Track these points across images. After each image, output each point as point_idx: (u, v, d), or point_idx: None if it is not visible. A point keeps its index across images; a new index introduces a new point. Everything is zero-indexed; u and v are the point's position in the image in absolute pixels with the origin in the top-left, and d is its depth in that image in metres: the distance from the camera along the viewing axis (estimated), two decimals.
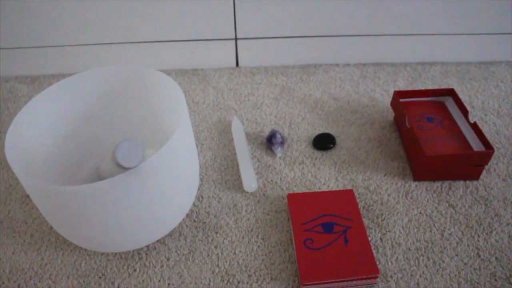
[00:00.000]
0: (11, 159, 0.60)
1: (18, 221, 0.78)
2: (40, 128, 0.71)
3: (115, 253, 0.72)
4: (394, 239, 0.73)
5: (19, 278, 0.69)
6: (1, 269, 0.71)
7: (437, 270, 0.68)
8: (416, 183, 0.81)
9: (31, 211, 0.79)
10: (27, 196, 0.82)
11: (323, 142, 0.89)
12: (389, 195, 0.80)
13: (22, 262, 0.71)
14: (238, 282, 0.68)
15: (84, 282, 0.69)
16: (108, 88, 0.77)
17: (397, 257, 0.70)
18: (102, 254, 0.72)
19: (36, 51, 1.09)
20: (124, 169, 0.58)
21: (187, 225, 0.76)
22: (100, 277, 0.69)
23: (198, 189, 0.82)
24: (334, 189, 0.80)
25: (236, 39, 1.09)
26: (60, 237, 0.75)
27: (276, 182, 0.83)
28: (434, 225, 0.74)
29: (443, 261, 0.69)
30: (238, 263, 0.70)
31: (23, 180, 0.57)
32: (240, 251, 0.72)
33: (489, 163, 0.84)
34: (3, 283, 0.69)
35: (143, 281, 0.68)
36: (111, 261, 0.71)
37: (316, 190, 0.81)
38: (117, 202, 0.58)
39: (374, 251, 0.71)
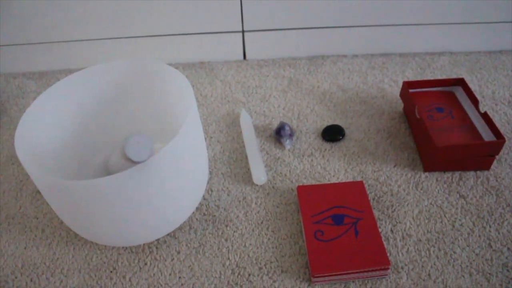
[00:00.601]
0: (21, 155, 0.60)
1: (29, 216, 0.78)
2: (49, 123, 0.72)
3: (126, 247, 0.73)
4: (404, 230, 0.72)
5: (32, 272, 0.70)
6: (13, 264, 0.71)
7: (449, 261, 0.68)
8: (426, 174, 0.81)
9: (42, 207, 0.80)
10: (38, 192, 0.82)
11: (332, 134, 0.88)
12: (399, 186, 0.79)
13: (34, 257, 0.72)
14: (249, 275, 0.68)
15: (95, 276, 0.69)
16: (116, 82, 0.77)
17: (408, 249, 0.70)
18: (113, 248, 0.73)
19: (43, 46, 1.09)
20: (134, 163, 0.58)
21: (197, 219, 0.76)
22: (111, 271, 0.69)
23: (208, 182, 0.82)
24: (343, 181, 0.80)
25: (243, 31, 1.08)
26: (71, 232, 0.75)
27: (285, 175, 0.82)
28: (445, 216, 0.74)
29: (454, 252, 0.69)
30: (248, 255, 0.70)
31: (33, 175, 0.57)
32: (250, 244, 0.72)
33: (500, 153, 0.84)
34: (16, 277, 0.69)
35: (154, 274, 0.69)
36: (122, 255, 0.72)
37: (326, 182, 0.81)
38: (127, 196, 0.58)
39: (384, 243, 0.71)
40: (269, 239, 0.72)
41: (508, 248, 0.69)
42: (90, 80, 0.75)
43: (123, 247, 0.73)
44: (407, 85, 0.91)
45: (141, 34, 1.08)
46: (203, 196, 0.80)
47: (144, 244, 0.73)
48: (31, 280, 0.69)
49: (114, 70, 0.76)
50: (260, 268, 0.68)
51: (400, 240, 0.71)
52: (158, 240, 0.73)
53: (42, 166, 0.67)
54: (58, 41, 1.08)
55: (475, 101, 0.86)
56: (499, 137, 0.77)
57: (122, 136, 0.83)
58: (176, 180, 0.62)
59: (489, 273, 0.66)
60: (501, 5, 1.03)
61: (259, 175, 0.80)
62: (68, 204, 0.59)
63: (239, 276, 0.68)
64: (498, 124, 0.90)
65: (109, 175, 0.66)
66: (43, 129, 0.70)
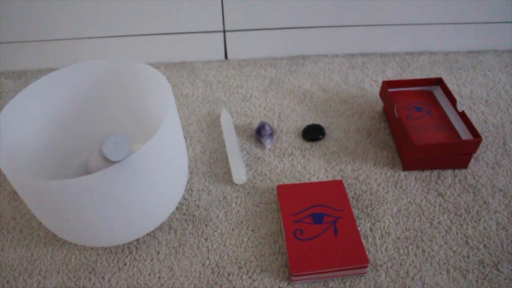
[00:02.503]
0: None
1: (7, 217, 0.77)
2: (27, 123, 0.71)
3: (105, 248, 0.72)
4: (383, 228, 0.73)
5: (8, 274, 0.69)
6: None
7: (426, 259, 0.69)
8: (405, 172, 0.82)
9: (20, 207, 0.79)
10: (15, 192, 0.81)
11: (313, 133, 0.89)
12: (378, 185, 0.80)
13: (11, 258, 0.71)
14: (229, 274, 0.68)
15: (74, 277, 0.68)
16: (95, 82, 0.77)
17: (386, 246, 0.70)
18: (92, 248, 0.72)
19: (22, 45, 1.08)
20: (111, 162, 0.57)
21: (177, 218, 0.76)
22: (90, 272, 0.69)
23: (188, 182, 0.82)
24: (323, 180, 0.80)
25: (224, 31, 1.08)
26: (50, 233, 0.75)
27: (265, 174, 0.83)
28: (423, 214, 0.75)
29: (432, 250, 0.70)
30: (228, 255, 0.70)
31: (10, 176, 0.56)
32: (230, 243, 0.72)
33: (477, 152, 0.85)
34: None
35: (133, 275, 0.68)
36: (101, 256, 0.71)
37: (306, 181, 0.81)
38: (106, 196, 0.57)
39: (363, 241, 0.71)
40: (249, 238, 0.72)
41: (484, 245, 0.70)
42: (69, 80, 0.75)
43: (102, 248, 0.72)
44: (387, 84, 0.92)
45: (122, 33, 1.07)
46: (183, 195, 0.80)
47: (123, 244, 0.72)
48: (8, 282, 0.68)
49: (94, 69, 0.75)
50: (240, 268, 0.68)
51: (379, 238, 0.72)
52: (137, 240, 0.73)
53: (20, 167, 0.66)
54: (38, 40, 1.07)
55: (453, 101, 0.87)
56: (476, 136, 0.79)
57: (102, 136, 0.83)
58: (154, 179, 0.62)
59: (466, 270, 0.67)
60: (479, 6, 1.04)
61: (239, 174, 0.80)
62: (45, 204, 0.58)
63: (219, 276, 0.67)
64: (475, 123, 0.91)
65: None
66: (21, 129, 0.69)
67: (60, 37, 1.07)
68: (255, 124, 0.93)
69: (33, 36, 1.06)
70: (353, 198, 0.78)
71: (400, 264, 0.68)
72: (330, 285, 0.66)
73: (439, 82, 0.92)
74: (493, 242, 0.70)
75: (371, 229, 0.73)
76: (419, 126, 0.85)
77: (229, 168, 0.84)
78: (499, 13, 1.05)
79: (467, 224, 0.73)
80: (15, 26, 1.04)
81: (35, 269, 0.70)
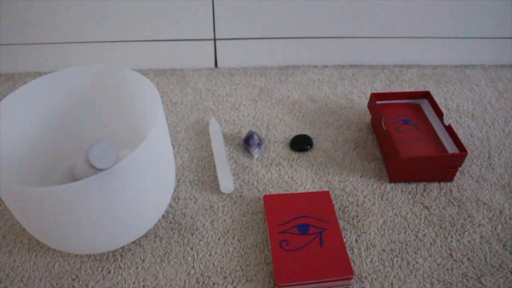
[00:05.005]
0: None
1: None
2: (13, 127, 0.70)
3: (89, 255, 0.71)
4: (369, 240, 0.73)
5: None
6: None
7: (411, 271, 0.69)
8: (392, 184, 0.82)
9: (3, 212, 0.78)
10: None
11: (300, 144, 0.89)
12: (365, 196, 0.80)
13: None
14: (214, 284, 0.67)
15: (57, 284, 0.68)
16: (83, 88, 0.76)
17: (372, 258, 0.71)
18: (76, 256, 0.71)
19: (10, 48, 1.07)
20: (97, 170, 0.57)
21: (162, 226, 0.75)
22: (73, 279, 0.68)
23: (175, 190, 0.81)
24: (310, 191, 0.81)
25: (215, 39, 1.09)
26: (33, 239, 0.74)
27: (252, 184, 0.83)
28: (408, 226, 0.75)
29: (416, 262, 0.70)
30: (213, 264, 0.70)
31: None
32: (216, 253, 0.72)
33: (462, 165, 0.86)
34: None
35: (117, 283, 0.68)
36: (85, 263, 0.70)
37: (293, 191, 0.81)
38: (91, 203, 0.57)
39: (349, 253, 0.71)
40: (234, 248, 0.72)
41: (468, 258, 0.70)
42: (57, 85, 0.74)
43: (86, 255, 0.72)
44: (375, 97, 0.92)
45: (113, 39, 1.07)
46: (170, 203, 0.79)
47: (108, 252, 0.72)
48: None
49: (83, 75, 0.75)
50: (225, 277, 0.68)
51: (364, 250, 0.72)
52: (122, 248, 0.72)
53: (5, 171, 0.66)
54: (27, 43, 1.07)
55: (440, 114, 0.88)
56: (462, 150, 0.79)
57: (89, 143, 0.82)
58: (141, 187, 0.62)
59: (450, 283, 0.67)
60: (468, 22, 1.05)
61: (227, 183, 0.80)
62: (30, 210, 0.58)
63: (204, 285, 0.67)
64: (461, 137, 0.92)
65: (74, 181, 0.65)
66: (7, 133, 0.69)
67: (50, 41, 1.06)
68: (244, 133, 0.93)
69: (21, 39, 1.06)
70: (339, 209, 0.78)
71: (385, 276, 0.68)
72: None
73: (426, 95, 0.93)
74: (477, 255, 0.71)
75: (356, 240, 0.73)
76: (406, 138, 0.85)
77: (216, 177, 0.84)
78: (487, 29, 1.07)
79: (451, 237, 0.74)
80: (4, 28, 1.03)
81: (17, 275, 0.69)
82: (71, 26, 1.04)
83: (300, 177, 0.84)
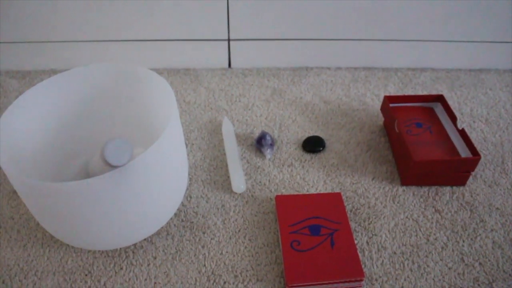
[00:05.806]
0: None
1: (5, 216, 0.77)
2: (29, 123, 0.71)
3: (102, 251, 0.72)
4: (380, 242, 0.73)
5: (4, 274, 0.69)
6: None
7: (422, 274, 0.69)
8: (404, 187, 0.82)
9: (19, 207, 0.79)
10: (15, 192, 0.81)
11: (313, 145, 0.89)
12: (376, 199, 0.80)
13: (8, 258, 0.71)
14: (224, 283, 0.68)
15: (70, 279, 0.68)
16: (99, 86, 0.77)
17: (382, 261, 0.71)
18: (88, 251, 0.72)
19: (28, 46, 1.09)
20: (112, 167, 0.58)
21: (174, 225, 0.76)
22: (86, 275, 0.69)
23: (187, 188, 0.82)
24: (322, 192, 0.81)
25: (229, 40, 1.09)
26: (47, 234, 0.75)
27: (264, 184, 0.83)
28: (420, 229, 0.75)
29: (427, 266, 0.70)
30: (224, 263, 0.70)
31: (10, 176, 0.57)
32: (227, 252, 0.72)
33: (475, 170, 0.85)
34: None
35: (129, 279, 0.68)
36: (98, 259, 0.71)
37: (304, 192, 0.82)
38: (105, 199, 0.58)
39: (360, 254, 0.71)
40: (245, 247, 0.73)
41: (480, 263, 0.70)
42: (73, 82, 0.75)
43: (99, 251, 0.72)
44: (388, 99, 0.92)
45: (128, 38, 1.08)
46: (182, 202, 0.80)
47: (120, 249, 0.72)
48: (3, 282, 0.68)
49: (98, 73, 0.76)
50: (236, 276, 0.69)
51: (375, 252, 0.72)
52: (134, 244, 0.73)
53: (21, 167, 0.67)
54: (44, 41, 1.08)
55: (453, 118, 0.88)
56: (475, 154, 0.79)
57: (103, 140, 0.83)
58: (154, 185, 0.62)
59: (461, 287, 0.67)
60: (483, 25, 1.05)
61: (239, 183, 0.80)
62: (45, 206, 0.59)
63: (214, 284, 0.68)
64: (474, 141, 0.92)
65: (89, 178, 0.66)
66: (23, 129, 0.70)
67: (65, 39, 1.08)
68: (256, 134, 0.93)
69: (38, 37, 1.07)
70: (351, 211, 0.78)
71: (396, 279, 0.68)
72: None
73: (440, 99, 0.93)
74: (489, 260, 0.71)
75: (367, 242, 0.73)
76: (418, 142, 0.85)
77: (228, 177, 0.84)
78: (502, 33, 1.06)
79: (463, 241, 0.73)
80: (22, 26, 1.05)
81: (31, 269, 0.70)
82: (87, 25, 1.05)
83: (312, 178, 0.84)
